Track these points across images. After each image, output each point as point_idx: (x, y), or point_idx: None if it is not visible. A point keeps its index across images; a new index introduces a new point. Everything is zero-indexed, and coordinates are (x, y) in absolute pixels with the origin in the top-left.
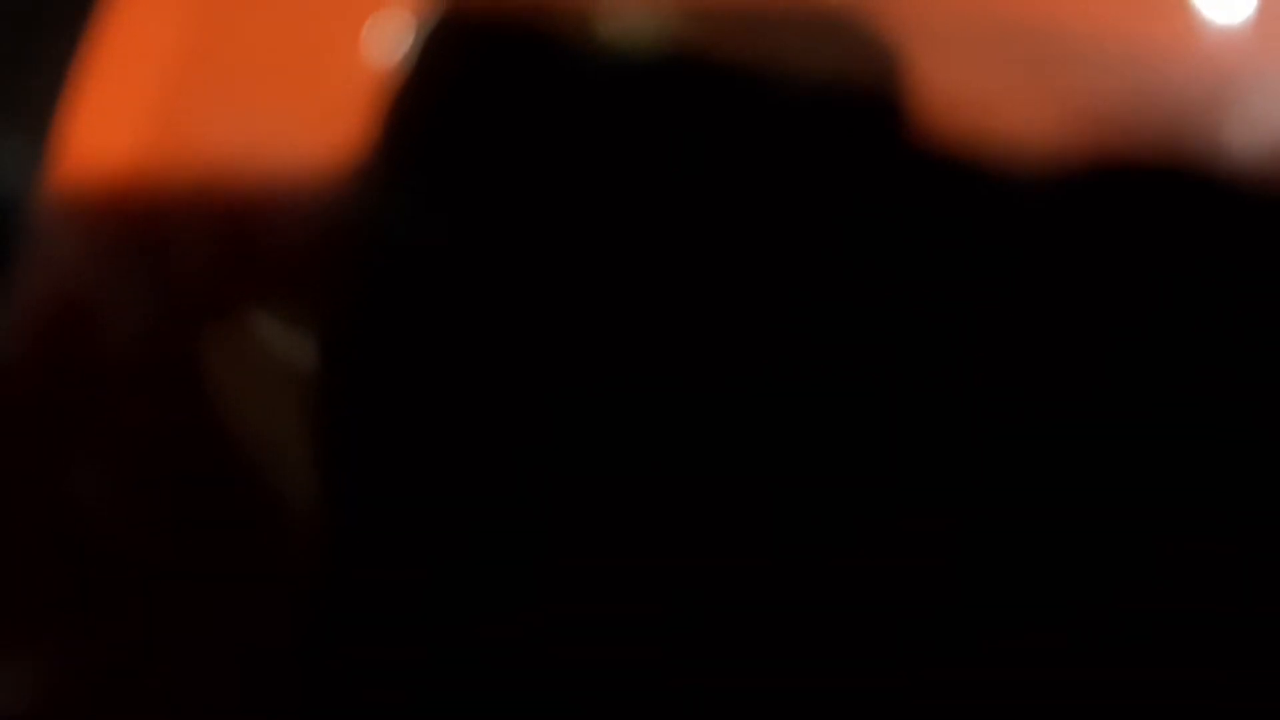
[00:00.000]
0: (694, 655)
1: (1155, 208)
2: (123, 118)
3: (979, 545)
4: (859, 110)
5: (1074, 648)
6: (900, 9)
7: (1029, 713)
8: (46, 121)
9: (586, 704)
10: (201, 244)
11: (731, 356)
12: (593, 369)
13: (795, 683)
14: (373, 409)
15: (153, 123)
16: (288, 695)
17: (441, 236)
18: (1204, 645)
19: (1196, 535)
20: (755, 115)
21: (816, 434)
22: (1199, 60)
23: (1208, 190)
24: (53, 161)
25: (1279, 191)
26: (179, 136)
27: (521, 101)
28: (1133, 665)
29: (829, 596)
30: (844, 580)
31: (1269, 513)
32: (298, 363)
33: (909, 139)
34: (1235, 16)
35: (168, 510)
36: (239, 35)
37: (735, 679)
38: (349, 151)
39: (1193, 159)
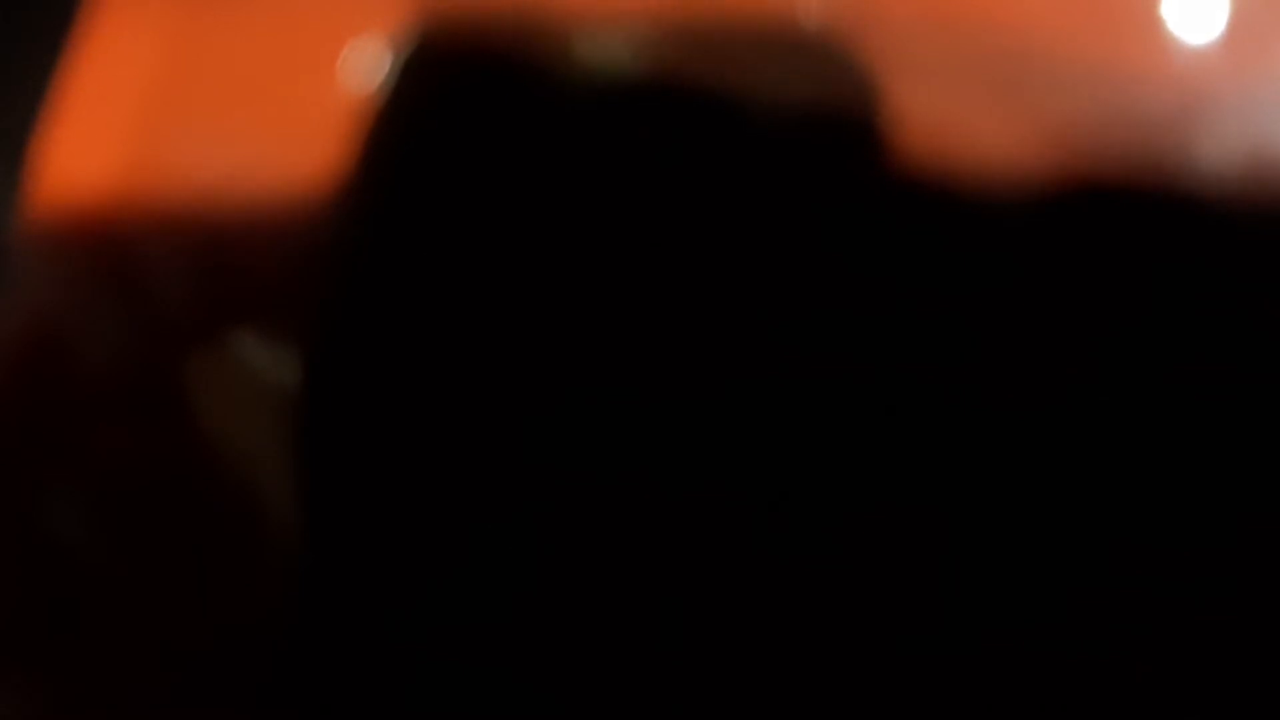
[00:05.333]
0: (691, 658)
1: (1129, 227)
2: (100, 144)
3: (970, 550)
4: (834, 134)
5: (1070, 652)
6: (875, 34)
7: (1025, 712)
8: (22, 148)
9: (582, 708)
10: (180, 270)
11: (706, 373)
12: (572, 385)
13: (792, 685)
14: (355, 431)
15: (129, 149)
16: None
17: (419, 260)
18: (1203, 646)
19: (1169, 540)
20: (732, 141)
21: (793, 449)
22: (1170, 81)
23: (1180, 210)
24: (29, 189)
25: (1250, 210)
26: (156, 163)
27: (498, 126)
28: (1130, 667)
29: (823, 601)
30: (836, 586)
31: (1236, 514)
32: (278, 386)
33: (884, 163)
34: (1205, 37)
35: (147, 537)
36: (215, 62)
37: (732, 682)
38: (327, 177)
39: (1165, 179)
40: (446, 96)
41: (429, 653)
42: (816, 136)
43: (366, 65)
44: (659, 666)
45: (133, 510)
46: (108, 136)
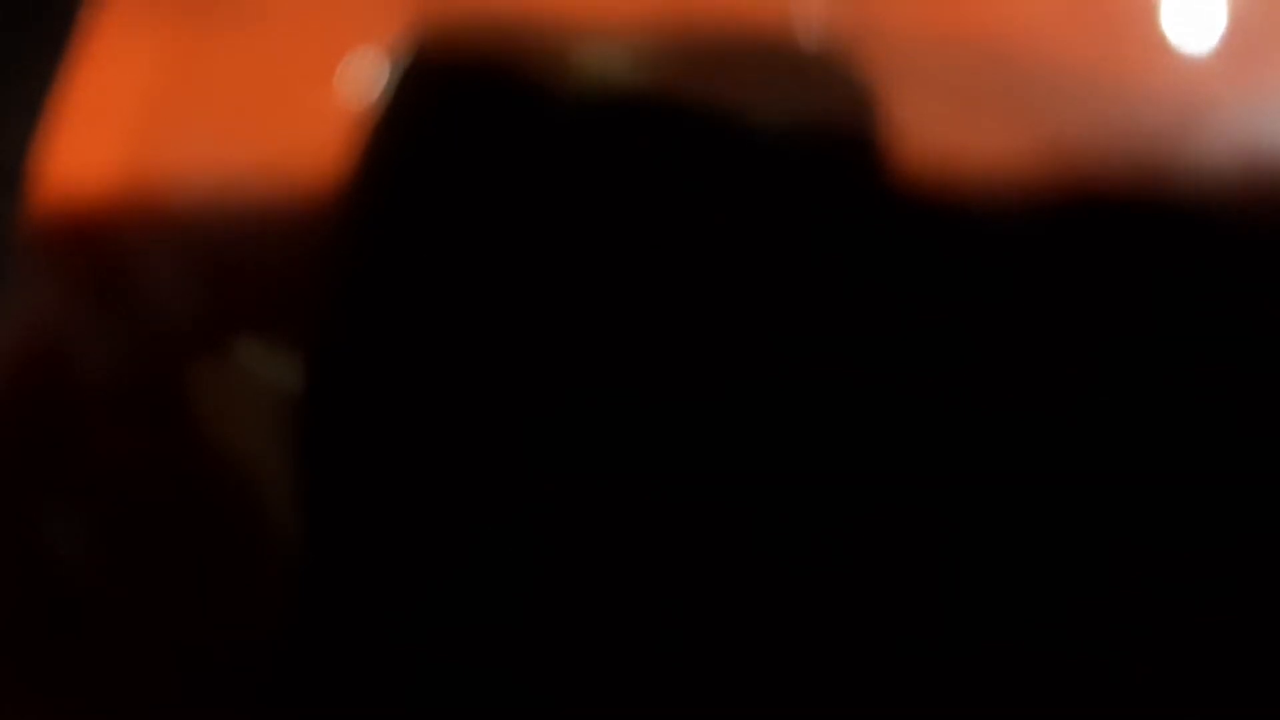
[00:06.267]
0: (691, 659)
1: (1128, 237)
2: (100, 150)
3: (971, 553)
4: (834, 147)
5: (1070, 652)
6: (874, 47)
7: (1026, 712)
8: (24, 154)
9: (582, 708)
10: (180, 276)
11: (706, 382)
12: (572, 392)
13: (792, 686)
14: (354, 434)
15: (130, 155)
16: None
17: (418, 267)
18: (1203, 646)
19: (1169, 541)
20: (731, 154)
21: (794, 456)
22: (1169, 90)
23: (1179, 218)
24: (31, 194)
25: (1249, 218)
26: (156, 169)
27: (497, 136)
28: (1130, 668)
29: (823, 604)
30: (836, 589)
31: (1236, 514)
32: (279, 391)
33: (884, 175)
34: (1204, 47)
35: (148, 539)
36: (215, 70)
37: (732, 682)
38: (326, 185)
39: (1164, 188)
40: (445, 106)
41: (429, 653)
42: (815, 149)
43: (366, 75)
44: (659, 667)
45: (134, 513)
46: (108, 143)
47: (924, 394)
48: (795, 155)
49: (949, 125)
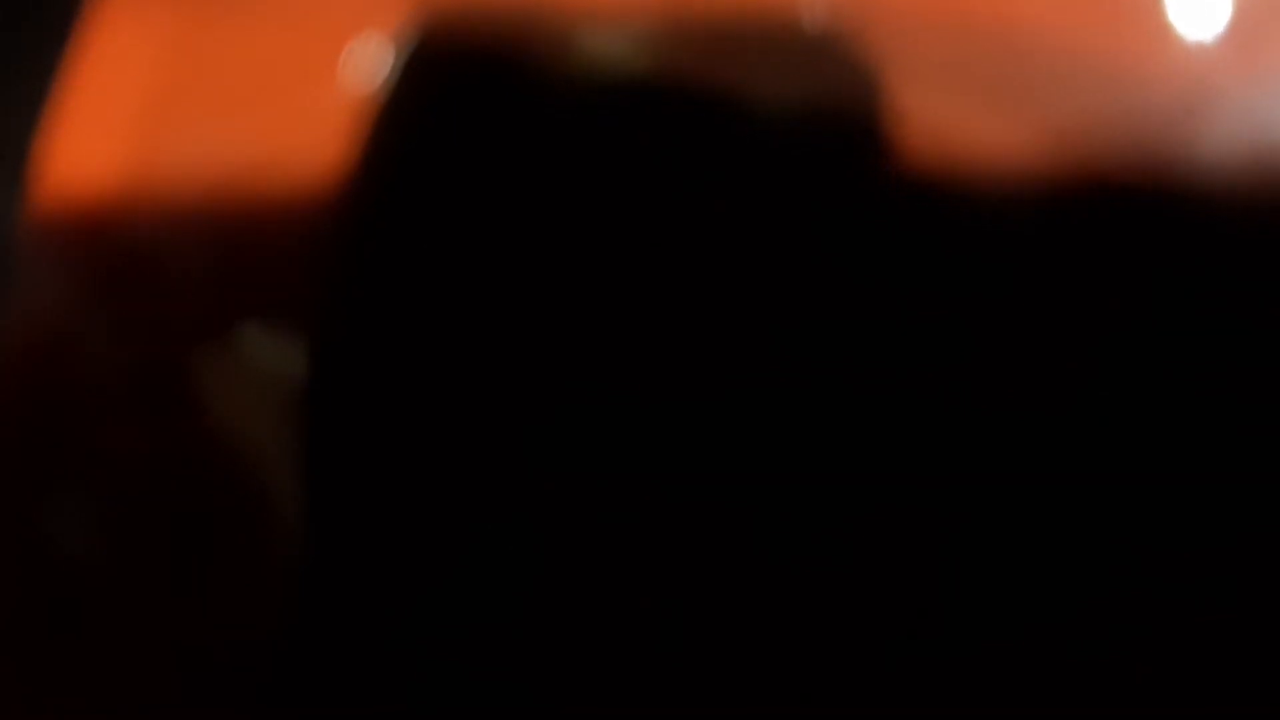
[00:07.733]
0: (692, 659)
1: (1134, 226)
2: (103, 143)
3: (971, 552)
4: (837, 134)
5: (1070, 652)
6: (878, 33)
7: (1025, 713)
8: (26, 148)
9: (582, 708)
10: (184, 269)
11: (708, 375)
12: (574, 386)
13: (792, 686)
14: (357, 431)
15: (133, 148)
16: None
17: (422, 259)
18: (1203, 646)
19: (1170, 540)
20: (734, 141)
21: (795, 452)
22: (1175, 78)
23: (1186, 208)
24: (33, 189)
25: (1256, 208)
26: (159, 162)
27: (500, 124)
28: (1130, 668)
29: (824, 604)
30: (837, 588)
31: (1236, 514)
32: (284, 385)
33: (887, 162)
34: (1210, 34)
35: (150, 536)
36: (217, 61)
37: (732, 682)
38: (330, 175)
39: (1170, 176)
40: (448, 95)
41: (429, 653)
42: (819, 136)
43: (369, 64)
44: (659, 667)
45: (135, 510)
46: (111, 136)
47: (924, 386)
48: (798, 141)
49: (953, 111)
